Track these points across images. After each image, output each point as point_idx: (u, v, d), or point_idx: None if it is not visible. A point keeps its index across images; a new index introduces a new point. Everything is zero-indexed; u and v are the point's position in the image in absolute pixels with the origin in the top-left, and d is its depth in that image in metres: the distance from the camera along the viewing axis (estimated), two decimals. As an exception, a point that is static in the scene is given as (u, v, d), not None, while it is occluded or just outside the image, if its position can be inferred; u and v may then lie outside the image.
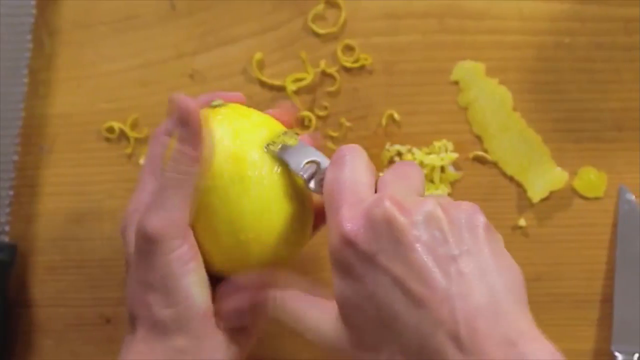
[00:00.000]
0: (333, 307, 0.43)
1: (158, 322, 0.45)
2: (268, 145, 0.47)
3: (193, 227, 0.46)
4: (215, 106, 0.49)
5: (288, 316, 0.44)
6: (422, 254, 0.40)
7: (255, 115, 0.49)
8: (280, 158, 0.47)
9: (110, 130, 0.62)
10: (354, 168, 0.44)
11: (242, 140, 0.46)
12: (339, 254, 0.41)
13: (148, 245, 0.44)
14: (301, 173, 0.46)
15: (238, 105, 0.50)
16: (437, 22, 0.61)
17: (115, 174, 0.62)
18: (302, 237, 0.49)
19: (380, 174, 0.46)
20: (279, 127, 0.49)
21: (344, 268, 0.41)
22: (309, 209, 0.49)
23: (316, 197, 0.48)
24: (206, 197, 0.46)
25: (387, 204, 0.41)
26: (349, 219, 0.41)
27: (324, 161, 0.47)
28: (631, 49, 0.60)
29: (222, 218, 0.46)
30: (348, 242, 0.41)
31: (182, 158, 0.44)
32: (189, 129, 0.44)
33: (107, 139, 0.62)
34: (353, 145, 0.46)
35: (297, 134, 0.49)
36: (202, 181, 0.45)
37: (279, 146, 0.47)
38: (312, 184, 0.46)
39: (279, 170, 0.47)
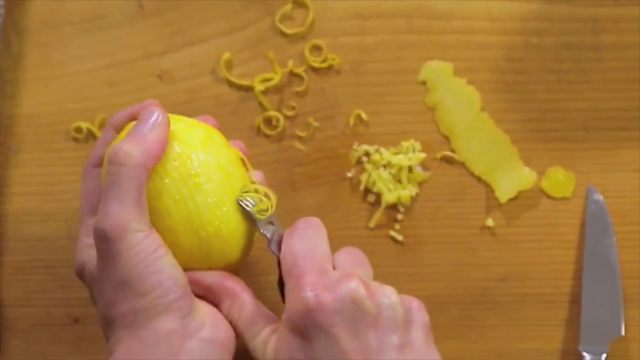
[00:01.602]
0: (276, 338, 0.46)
1: (140, 313, 0.44)
2: (240, 197, 0.48)
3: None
4: None
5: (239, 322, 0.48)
6: (375, 336, 0.45)
7: (185, 119, 0.50)
8: (247, 212, 0.48)
9: (78, 130, 0.62)
10: (316, 239, 0.48)
11: (184, 141, 0.47)
12: (298, 317, 0.45)
13: (110, 244, 0.44)
14: (264, 232, 0.49)
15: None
16: (405, 22, 0.61)
17: (83, 174, 0.62)
18: (244, 236, 0.49)
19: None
20: (209, 128, 0.50)
21: (298, 330, 0.45)
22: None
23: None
24: (159, 201, 0.46)
25: (355, 284, 0.45)
26: (313, 287, 0.45)
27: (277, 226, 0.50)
28: (599, 49, 0.60)
29: (180, 218, 0.46)
30: (311, 309, 0.44)
31: (132, 151, 0.45)
32: (145, 120, 0.46)
33: (75, 139, 0.62)
34: (314, 218, 0.49)
35: (265, 192, 0.50)
36: (152, 183, 0.45)
37: (248, 202, 0.48)
38: (272, 245, 0.49)
39: (224, 165, 0.47)
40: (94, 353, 0.62)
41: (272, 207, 0.49)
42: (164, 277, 0.45)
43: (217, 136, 0.49)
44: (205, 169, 0.46)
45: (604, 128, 0.60)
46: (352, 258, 0.49)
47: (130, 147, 0.45)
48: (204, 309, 0.47)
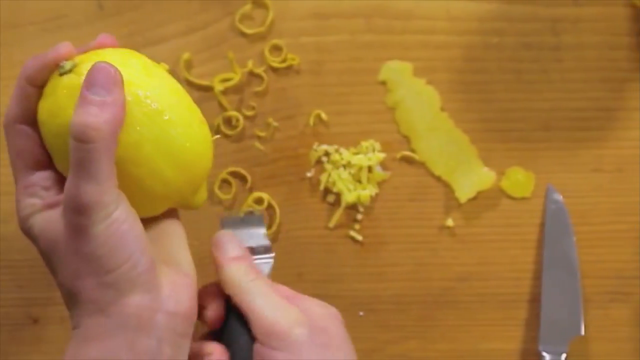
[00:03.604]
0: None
1: (107, 288, 0.43)
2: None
3: (125, 184, 0.45)
4: (66, 71, 0.45)
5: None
6: None
7: (106, 52, 0.46)
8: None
9: (38, 130, 0.62)
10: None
11: (132, 81, 0.44)
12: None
13: (83, 217, 0.43)
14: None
15: (84, 56, 0.46)
16: (364, 22, 0.61)
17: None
18: (210, 140, 0.49)
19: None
20: (134, 54, 0.47)
21: None
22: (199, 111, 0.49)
23: None
24: (138, 150, 0.44)
25: None
26: None
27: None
28: (558, 49, 0.60)
29: (162, 159, 0.45)
30: None
31: (99, 125, 0.42)
32: (99, 82, 0.43)
33: (35, 139, 0.62)
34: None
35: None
36: (125, 136, 0.44)
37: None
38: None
39: (172, 85, 0.47)
40: (54, 353, 0.62)
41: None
42: (132, 250, 0.44)
43: (145, 59, 0.48)
44: (164, 101, 0.45)
45: (564, 128, 0.60)
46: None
47: (95, 120, 0.42)
48: (167, 280, 0.46)
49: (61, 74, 0.45)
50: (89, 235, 0.43)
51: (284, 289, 0.50)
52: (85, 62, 0.45)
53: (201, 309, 0.49)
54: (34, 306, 0.62)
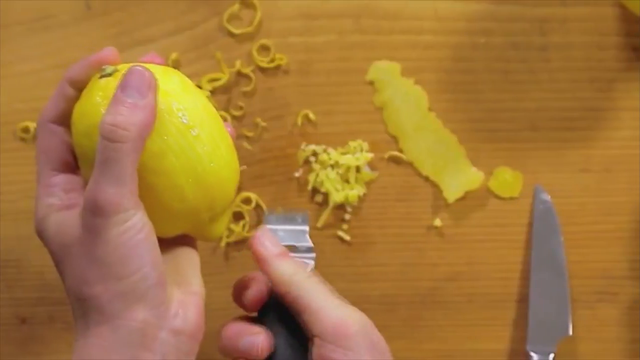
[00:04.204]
0: None
1: (114, 297, 0.43)
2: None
3: (143, 195, 0.44)
4: (106, 74, 0.45)
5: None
6: None
7: (151, 66, 0.46)
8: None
9: (26, 130, 0.62)
10: None
11: (169, 92, 0.45)
12: None
13: (100, 219, 0.43)
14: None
15: (127, 65, 0.46)
16: (352, 22, 0.61)
17: (31, 174, 0.59)
18: (239, 168, 0.49)
19: None
20: (177, 72, 0.48)
21: None
22: (232, 142, 0.49)
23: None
24: (162, 160, 0.44)
25: None
26: None
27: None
28: (546, 49, 0.60)
29: (184, 173, 0.44)
30: None
31: (128, 126, 0.42)
32: (133, 84, 0.43)
33: (23, 139, 0.62)
34: None
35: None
36: (151, 143, 0.44)
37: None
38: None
39: (207, 106, 0.47)
40: (42, 354, 0.62)
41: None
42: (144, 262, 0.43)
43: (184, 78, 0.48)
44: (195, 117, 0.45)
45: (551, 128, 0.60)
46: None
47: (125, 120, 0.42)
48: (176, 298, 0.45)
49: (101, 77, 0.45)
50: (103, 238, 0.43)
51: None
52: (127, 69, 0.44)
53: (243, 290, 0.49)
54: (22, 306, 0.62)
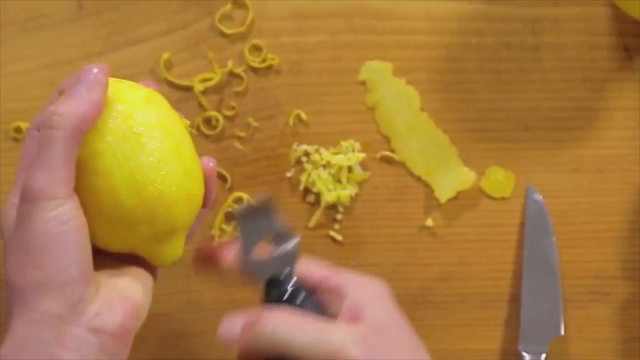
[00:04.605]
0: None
1: (32, 287, 0.42)
2: None
3: (83, 196, 0.44)
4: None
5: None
6: None
7: (127, 81, 0.47)
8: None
9: (17, 130, 0.62)
10: None
11: (127, 99, 0.45)
12: None
13: (29, 204, 0.42)
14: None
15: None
16: (344, 22, 0.61)
17: (23, 174, 0.61)
18: (199, 198, 0.48)
19: None
20: (152, 90, 0.48)
21: None
22: (200, 174, 0.48)
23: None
24: (100, 160, 0.44)
25: None
26: None
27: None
28: (538, 49, 0.60)
29: (122, 177, 0.44)
30: None
31: (65, 114, 0.43)
32: (82, 81, 0.44)
33: (14, 139, 0.62)
34: None
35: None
36: (92, 142, 0.44)
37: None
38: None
39: (167, 124, 0.46)
40: None
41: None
42: (64, 254, 0.42)
43: (160, 98, 0.48)
44: (147, 127, 0.45)
45: (543, 128, 0.60)
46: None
47: (63, 109, 0.43)
48: (101, 298, 0.44)
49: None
50: (28, 225, 0.42)
51: (324, 265, 0.49)
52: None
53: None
54: None
